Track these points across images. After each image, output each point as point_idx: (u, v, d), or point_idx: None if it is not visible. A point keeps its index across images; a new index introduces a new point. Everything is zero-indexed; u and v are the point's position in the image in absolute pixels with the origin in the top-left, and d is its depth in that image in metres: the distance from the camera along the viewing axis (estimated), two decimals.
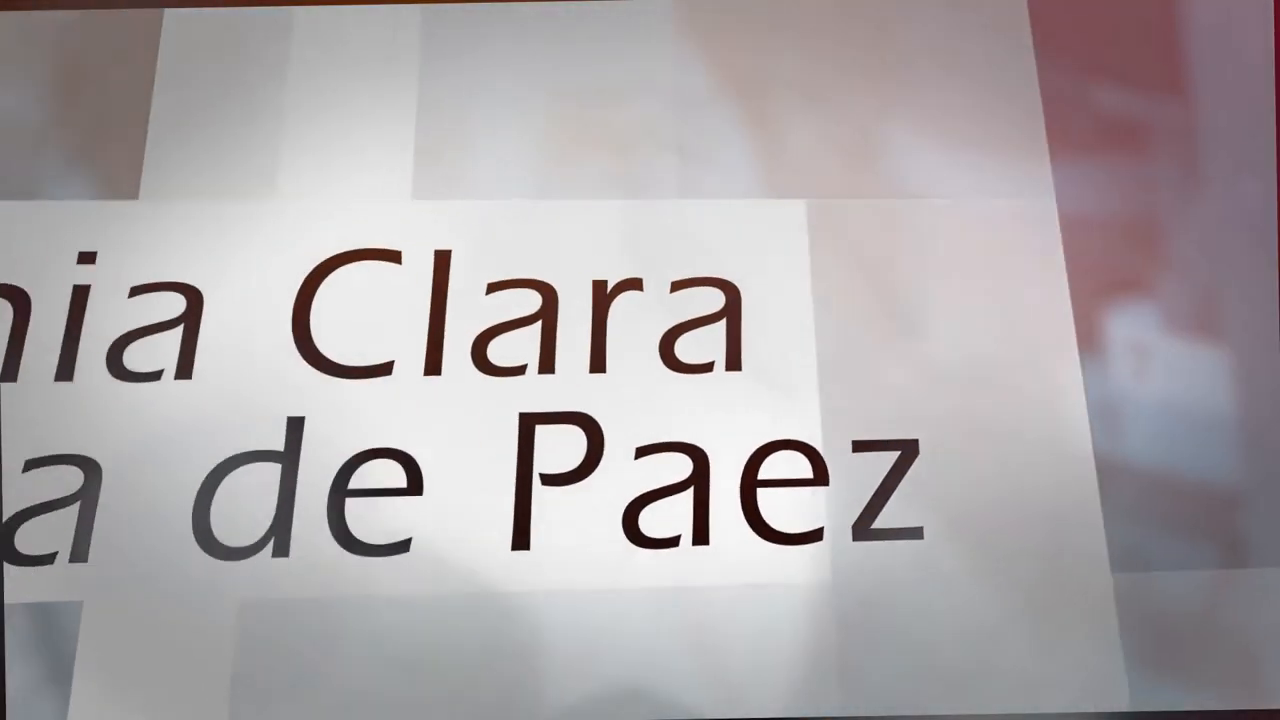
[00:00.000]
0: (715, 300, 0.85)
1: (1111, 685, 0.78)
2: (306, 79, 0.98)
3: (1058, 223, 0.92)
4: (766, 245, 0.88)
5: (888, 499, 0.81)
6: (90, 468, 0.77)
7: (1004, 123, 0.94)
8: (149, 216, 0.88)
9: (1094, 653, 0.78)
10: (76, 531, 0.75)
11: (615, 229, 0.89)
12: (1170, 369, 0.86)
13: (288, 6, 1.02)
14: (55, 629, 0.73)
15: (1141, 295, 0.89)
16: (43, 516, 0.76)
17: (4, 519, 0.76)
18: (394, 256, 0.85)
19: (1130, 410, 0.85)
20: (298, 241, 0.88)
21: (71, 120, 0.94)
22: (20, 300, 0.82)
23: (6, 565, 0.73)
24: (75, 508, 0.76)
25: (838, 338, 0.85)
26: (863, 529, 0.79)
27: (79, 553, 0.75)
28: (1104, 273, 0.90)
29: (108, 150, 0.93)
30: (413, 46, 0.98)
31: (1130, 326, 0.89)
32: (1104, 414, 0.85)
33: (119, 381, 0.81)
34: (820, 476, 0.81)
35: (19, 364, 0.81)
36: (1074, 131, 0.95)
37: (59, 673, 0.73)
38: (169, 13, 0.99)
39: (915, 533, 0.79)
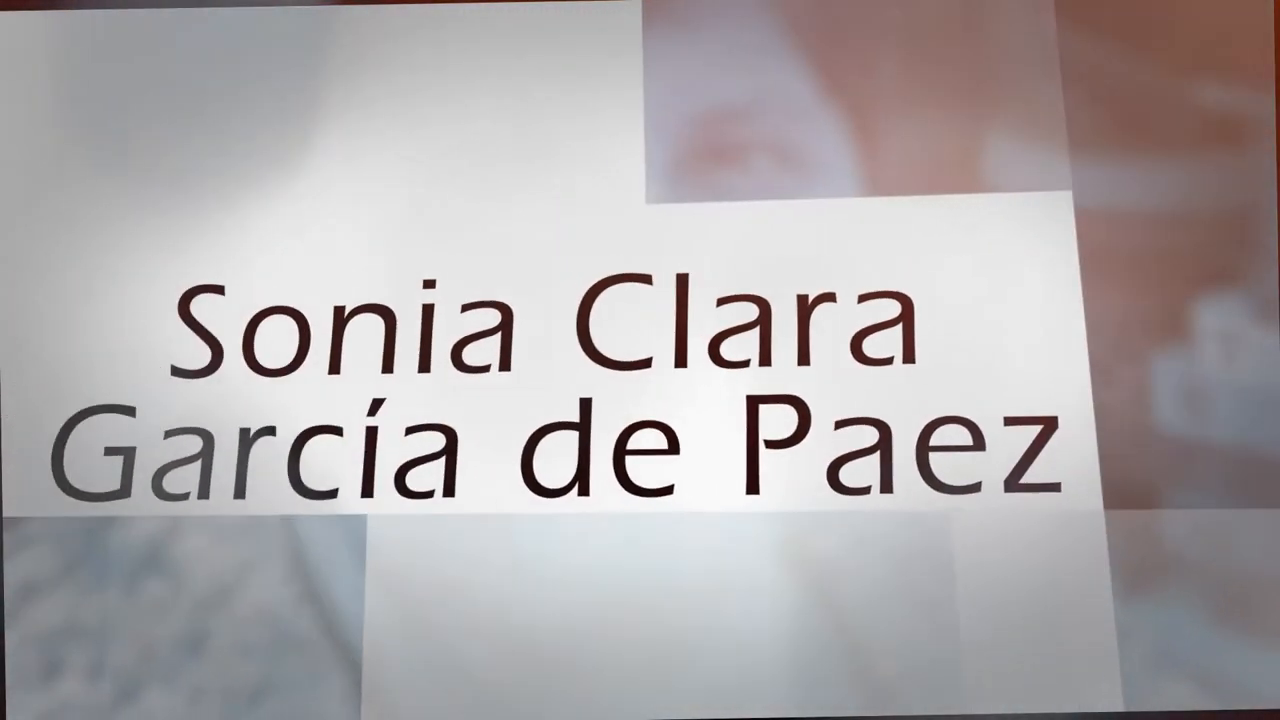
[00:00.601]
0: (893, 308, 1.02)
1: (1185, 637, 0.92)
2: (530, 79, 1.07)
3: (1158, 218, 1.02)
4: (933, 249, 1.03)
5: (1032, 462, 0.97)
6: (449, 433, 1.00)
7: (1104, 121, 1.04)
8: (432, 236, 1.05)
9: (1164, 609, 0.93)
10: (444, 477, 0.98)
11: (815, 235, 1.03)
12: (1259, 356, 0.98)
13: (496, 4, 1.08)
14: (426, 545, 0.98)
15: (1234, 286, 1.00)
16: (420, 467, 0.99)
17: (395, 471, 0.99)
18: (646, 279, 1.04)
19: (1220, 394, 0.97)
20: (568, 255, 1.03)
21: (275, 122, 1.07)
22: (388, 316, 1.03)
23: (402, 498, 0.98)
24: (441, 461, 0.99)
25: (992, 332, 1.01)
26: (1012, 483, 0.97)
27: (449, 491, 0.98)
28: (1202, 265, 1.01)
29: (317, 157, 1.06)
30: (634, 41, 1.06)
31: (1223, 316, 0.99)
32: (1195, 398, 0.98)
33: (460, 373, 1.01)
34: (978, 444, 0.98)
35: (393, 361, 1.02)
36: (1174, 128, 1.04)
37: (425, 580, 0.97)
38: (377, 9, 1.08)
39: (1055, 487, 0.97)
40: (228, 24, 1.10)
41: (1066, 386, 0.99)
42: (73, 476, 0.99)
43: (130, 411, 1.01)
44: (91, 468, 0.99)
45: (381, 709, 0.94)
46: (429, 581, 0.97)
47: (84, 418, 1.01)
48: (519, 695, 0.95)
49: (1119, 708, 0.92)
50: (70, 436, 1.00)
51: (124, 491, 0.99)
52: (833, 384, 1.00)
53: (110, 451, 1.00)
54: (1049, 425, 0.99)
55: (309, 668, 0.95)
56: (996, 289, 1.02)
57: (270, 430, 1.01)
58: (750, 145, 1.05)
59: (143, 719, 0.95)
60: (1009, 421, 0.99)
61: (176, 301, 1.04)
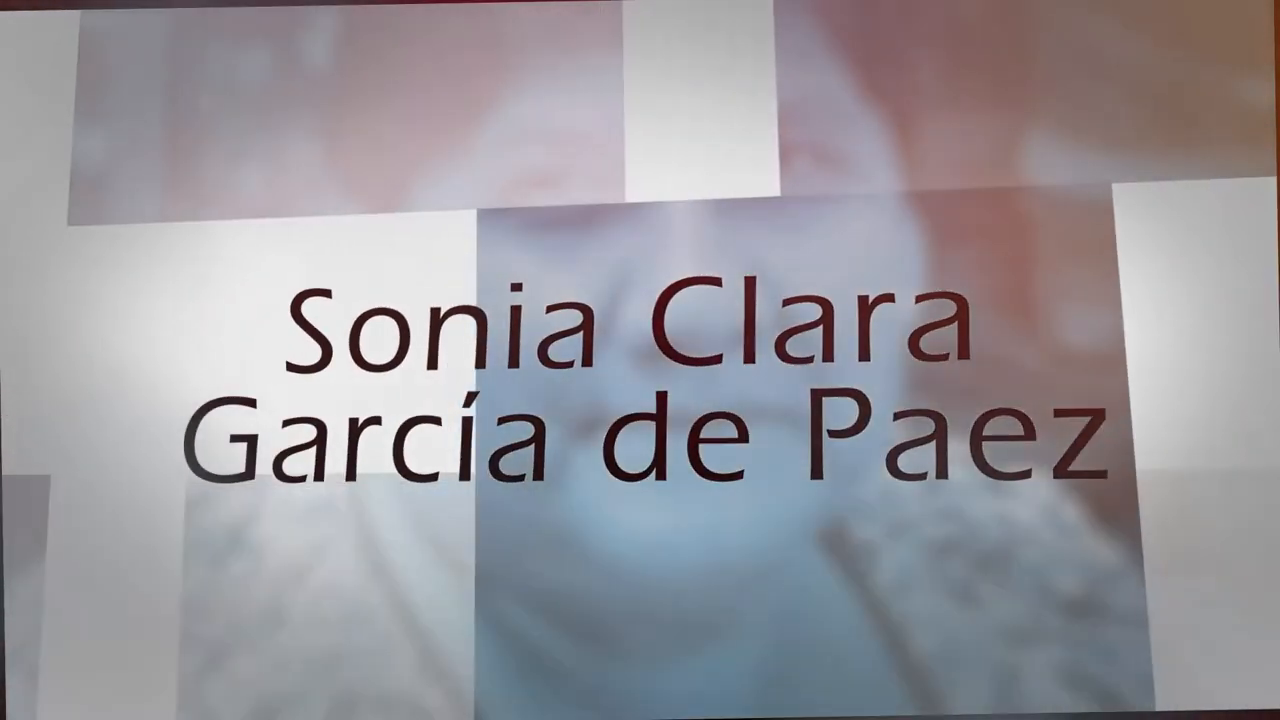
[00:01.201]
0: (949, 308, 1.07)
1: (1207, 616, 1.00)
2: (645, 75, 1.09)
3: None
4: (984, 247, 1.07)
5: (1080, 451, 1.04)
6: (537, 422, 1.08)
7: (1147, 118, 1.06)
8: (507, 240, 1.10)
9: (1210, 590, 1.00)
10: (534, 462, 1.07)
11: (892, 240, 1.07)
12: None
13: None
14: (507, 512, 1.07)
15: None
16: (514, 453, 1.07)
17: (489, 456, 1.07)
18: (716, 281, 1.08)
19: None
20: (673, 259, 1.08)
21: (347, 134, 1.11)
22: (480, 316, 1.10)
23: (496, 481, 1.06)
24: (532, 448, 1.07)
25: (1043, 329, 1.05)
26: (1061, 470, 1.04)
27: (538, 474, 1.07)
28: None
29: (379, 163, 1.10)
30: (765, 32, 1.07)
31: None
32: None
33: (547, 368, 1.08)
34: (1029, 434, 1.04)
35: (485, 357, 1.09)
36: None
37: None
38: (505, 6, 1.10)
39: (1101, 474, 1.04)
40: (351, 28, 1.13)
41: (1113, 380, 1.05)
42: (203, 460, 1.10)
43: (251, 403, 1.11)
44: (219, 453, 1.10)
45: (458, 683, 1.04)
46: (508, 559, 1.06)
47: (211, 409, 1.11)
48: (586, 673, 1.05)
49: None
50: (199, 425, 1.11)
51: (248, 474, 1.09)
52: (892, 378, 1.07)
53: (235, 439, 1.10)
54: (1096, 417, 1.05)
55: (383, 639, 1.05)
56: (1046, 281, 1.07)
57: (376, 420, 1.10)
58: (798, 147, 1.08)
59: (230, 683, 1.06)
60: (1058, 413, 1.05)
61: (289, 304, 1.13)
